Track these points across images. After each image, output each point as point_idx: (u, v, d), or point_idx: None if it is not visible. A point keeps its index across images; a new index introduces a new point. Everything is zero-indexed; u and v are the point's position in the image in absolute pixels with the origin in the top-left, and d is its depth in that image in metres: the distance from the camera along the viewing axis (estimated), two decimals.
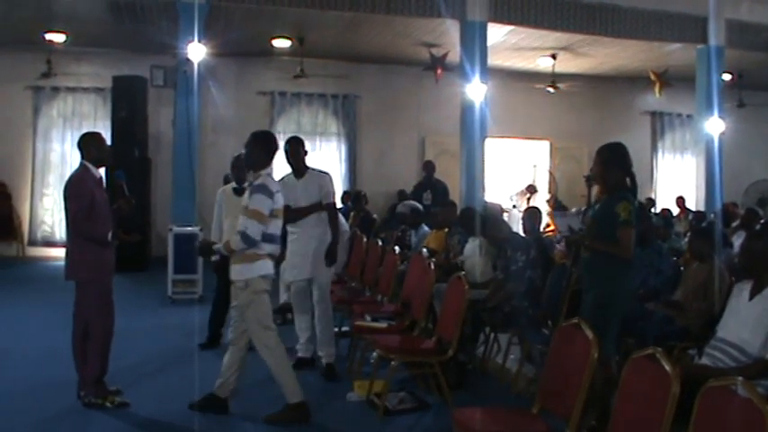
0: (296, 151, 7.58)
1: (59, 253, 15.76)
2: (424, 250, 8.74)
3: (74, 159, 15.73)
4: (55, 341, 7.91)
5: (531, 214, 8.43)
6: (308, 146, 16.20)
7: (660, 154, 19.99)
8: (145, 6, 13.01)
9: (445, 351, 6.38)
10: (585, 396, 4.37)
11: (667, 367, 3.79)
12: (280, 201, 6.27)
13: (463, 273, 6.97)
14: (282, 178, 7.60)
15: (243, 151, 6.58)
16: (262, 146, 6.37)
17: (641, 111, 19.71)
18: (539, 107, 18.21)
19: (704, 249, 7.47)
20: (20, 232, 16.14)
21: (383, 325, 7.39)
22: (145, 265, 14.38)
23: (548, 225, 12.74)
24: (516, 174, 18.31)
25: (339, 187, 15.68)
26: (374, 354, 6.71)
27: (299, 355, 7.74)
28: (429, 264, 7.53)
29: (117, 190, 6.81)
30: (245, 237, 6.00)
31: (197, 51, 12.05)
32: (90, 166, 6.61)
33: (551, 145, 18.74)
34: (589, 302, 5.88)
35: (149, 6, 13.00)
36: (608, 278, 5.81)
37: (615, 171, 5.98)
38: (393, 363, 6.38)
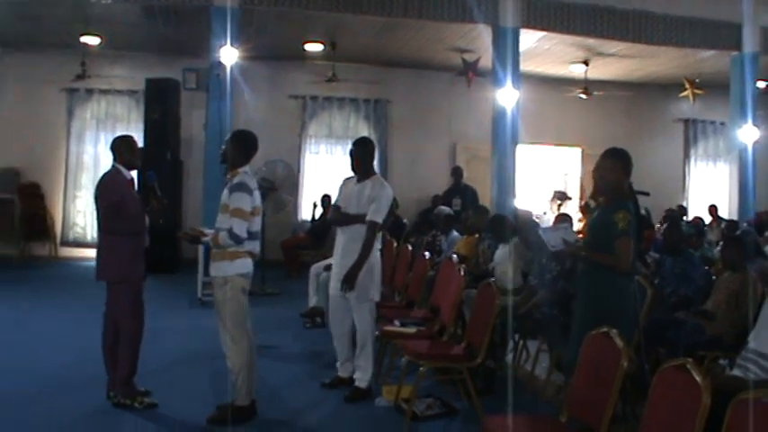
0: (356, 154, 7.23)
1: (91, 253, 15.92)
2: (455, 256, 8.71)
3: (106, 161, 15.84)
4: (86, 340, 7.96)
5: (564, 221, 8.39)
6: (338, 150, 16.62)
7: (693, 161, 19.78)
8: (178, 10, 13.08)
9: (474, 357, 6.36)
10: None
11: (698, 378, 3.74)
12: (257, 198, 6.30)
13: (493, 279, 6.94)
14: (348, 178, 7.40)
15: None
16: (240, 144, 6.41)
17: (674, 118, 19.54)
18: (571, 114, 18.11)
19: (737, 258, 7.41)
20: (52, 232, 16.26)
21: (412, 330, 7.33)
22: (175, 267, 14.45)
23: (578, 232, 12.66)
24: (547, 180, 18.23)
25: None
26: (403, 359, 6.69)
27: (339, 374, 7.40)
28: (459, 270, 7.49)
29: (149, 191, 6.86)
30: (232, 235, 6.05)
31: (229, 55, 12.11)
32: (121, 168, 6.68)
33: (583, 152, 18.63)
34: (587, 317, 5.56)
35: (183, 10, 13.07)
36: (607, 291, 5.59)
37: (626, 179, 5.75)
38: (422, 368, 6.36)
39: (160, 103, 14.94)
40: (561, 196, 16.20)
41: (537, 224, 9.06)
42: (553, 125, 17.87)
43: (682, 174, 19.65)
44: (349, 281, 6.92)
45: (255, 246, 6.33)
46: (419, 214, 16.28)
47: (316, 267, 10.56)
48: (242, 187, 6.17)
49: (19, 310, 10.84)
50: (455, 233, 11.01)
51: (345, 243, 7.16)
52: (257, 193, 6.30)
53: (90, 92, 16.57)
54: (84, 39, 14.78)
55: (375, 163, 7.46)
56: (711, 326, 7.18)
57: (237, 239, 6.06)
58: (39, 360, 8.12)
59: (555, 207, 16.00)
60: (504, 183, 13.32)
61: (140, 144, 7.57)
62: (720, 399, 3.70)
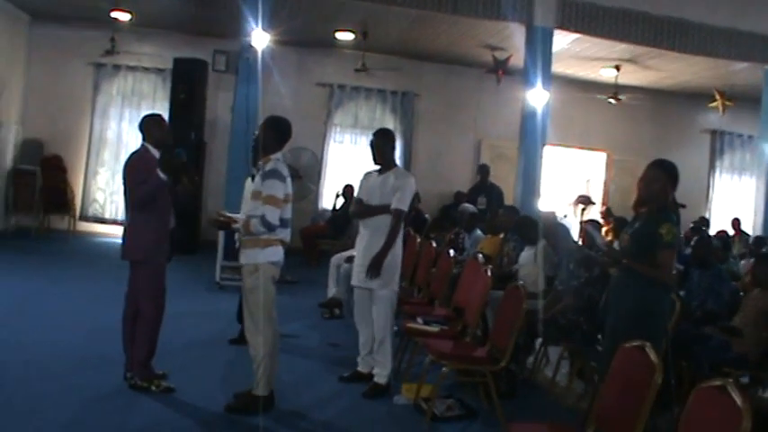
0: (377, 145, 7.17)
1: (108, 230, 16.00)
2: (480, 256, 8.60)
3: (129, 138, 15.99)
4: (102, 318, 7.97)
5: (594, 227, 8.28)
6: (362, 141, 16.50)
7: (718, 173, 19.58)
8: None
9: (498, 360, 6.26)
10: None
11: (739, 401, 3.63)
12: (289, 185, 6.22)
13: (521, 282, 6.84)
14: (369, 172, 7.34)
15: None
16: (274, 131, 6.33)
17: (701, 128, 19.35)
18: (598, 118, 17.99)
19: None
20: (72, 206, 16.21)
21: (435, 329, 7.24)
22: (194, 249, 14.39)
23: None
24: (571, 183, 18.12)
25: None
26: (427, 358, 6.59)
27: (358, 368, 7.34)
28: (486, 270, 7.38)
29: (180, 168, 6.76)
30: (265, 222, 5.97)
31: (261, 38, 12.00)
32: (150, 147, 6.60)
33: (608, 156, 18.52)
34: (619, 326, 5.58)
35: None
36: (644, 299, 5.53)
37: (671, 191, 5.70)
38: (444, 369, 6.28)
39: (187, 83, 14.83)
40: (585, 201, 16.00)
41: (567, 229, 8.95)
42: (579, 128, 17.73)
43: (706, 185, 19.43)
44: (375, 267, 6.89)
45: (287, 233, 6.24)
46: (440, 210, 16.20)
47: (336, 258, 10.52)
48: (275, 174, 6.08)
49: (37, 283, 10.80)
50: (479, 232, 10.92)
51: (370, 236, 7.09)
52: (289, 180, 6.22)
53: (117, 68, 16.48)
54: (114, 14, 14.70)
55: (398, 156, 7.40)
56: (738, 343, 7.08)
57: (270, 227, 5.98)
58: (55, 336, 8.08)
59: (578, 211, 15.84)
60: (530, 183, 13.17)
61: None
62: (758, 422, 3.59)
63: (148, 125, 6.70)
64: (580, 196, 16.45)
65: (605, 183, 18.47)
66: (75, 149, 16.38)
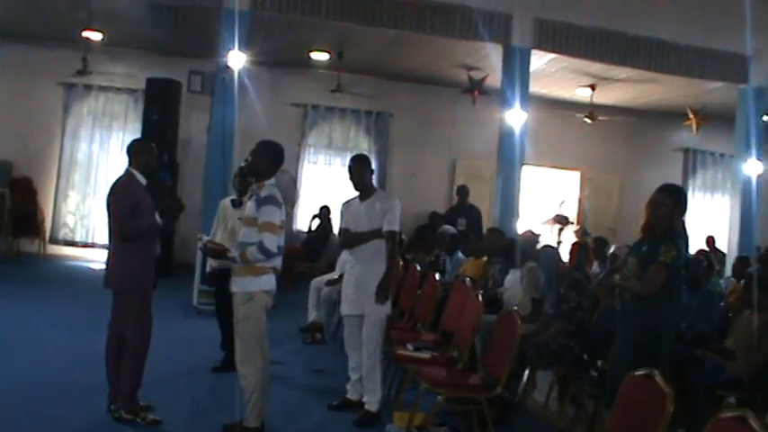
0: (357, 171, 7.10)
1: (79, 253, 15.75)
2: (467, 280, 8.48)
3: (100, 160, 15.79)
4: (81, 346, 7.82)
5: (585, 250, 8.22)
6: (337, 162, 16.39)
7: (690, 192, 19.51)
8: (186, 11, 12.86)
9: (493, 387, 6.14)
10: None
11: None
12: (284, 212, 6.12)
13: (515, 308, 6.73)
14: (348, 201, 7.26)
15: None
16: (269, 155, 6.20)
17: (674, 147, 19.35)
18: (572, 137, 17.92)
19: (761, 298, 7.23)
20: (42, 229, 15.94)
21: (426, 356, 7.10)
22: (167, 272, 14.14)
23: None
24: (545, 202, 18.07)
25: None
26: (422, 386, 6.43)
27: (347, 396, 7.17)
28: (476, 295, 7.25)
29: (164, 192, 6.61)
30: (263, 249, 5.83)
31: (237, 59, 11.85)
32: (136, 173, 6.43)
33: (582, 175, 18.52)
34: (624, 352, 5.69)
35: (191, 11, 12.84)
36: (650, 328, 5.57)
37: (678, 216, 5.72)
38: (439, 398, 6.13)
39: (160, 104, 14.59)
40: (561, 220, 15.99)
41: (556, 251, 8.88)
42: (553, 147, 17.60)
43: None
44: (383, 292, 6.81)
45: (279, 261, 6.11)
46: (415, 230, 16.04)
47: (316, 281, 10.40)
48: (271, 200, 5.95)
49: (10, 309, 10.48)
50: (460, 254, 10.81)
51: (362, 263, 7.01)
52: (284, 208, 6.09)
53: (88, 88, 16.27)
54: (86, 34, 14.48)
55: (373, 176, 7.39)
56: (731, 365, 7.03)
57: (268, 254, 5.85)
58: (33, 364, 7.84)
59: (555, 231, 15.81)
60: (509, 204, 13.09)
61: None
62: None
63: (137, 150, 6.52)
64: (556, 215, 16.42)
65: (580, 201, 18.45)
66: (45, 171, 16.13)
